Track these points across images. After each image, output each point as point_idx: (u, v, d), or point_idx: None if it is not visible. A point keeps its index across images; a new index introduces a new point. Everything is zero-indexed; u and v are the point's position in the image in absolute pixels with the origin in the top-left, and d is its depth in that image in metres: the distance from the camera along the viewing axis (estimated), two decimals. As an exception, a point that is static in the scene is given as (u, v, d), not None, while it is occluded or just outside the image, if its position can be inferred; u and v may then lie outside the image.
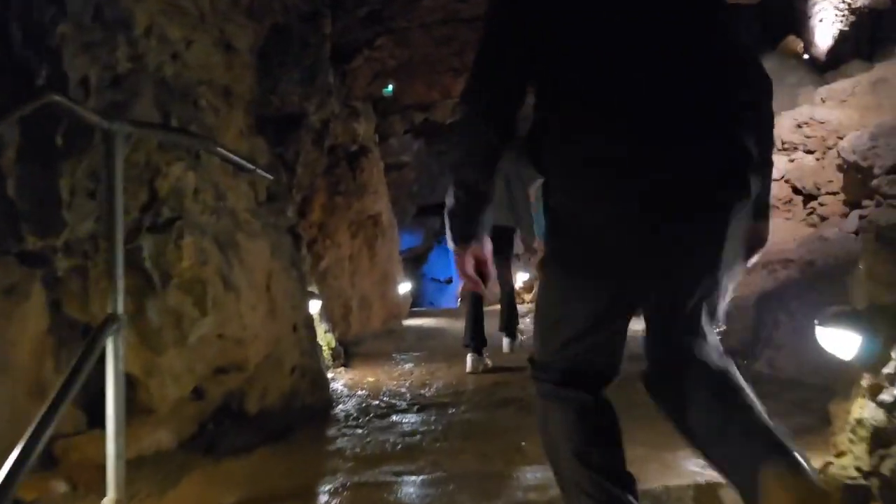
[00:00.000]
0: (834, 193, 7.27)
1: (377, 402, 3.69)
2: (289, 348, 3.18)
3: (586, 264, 1.50)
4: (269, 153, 3.75)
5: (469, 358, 4.79)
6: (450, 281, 19.45)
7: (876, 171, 6.17)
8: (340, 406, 3.60)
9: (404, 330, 7.66)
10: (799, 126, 8.43)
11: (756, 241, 1.67)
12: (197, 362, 2.36)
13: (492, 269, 1.62)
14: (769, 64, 9.64)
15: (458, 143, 1.62)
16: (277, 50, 3.48)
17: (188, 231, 2.18)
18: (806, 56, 11.76)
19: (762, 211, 1.67)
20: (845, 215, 6.94)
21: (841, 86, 8.44)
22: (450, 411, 3.38)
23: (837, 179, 7.15)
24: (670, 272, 1.47)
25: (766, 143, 1.59)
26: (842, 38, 11.38)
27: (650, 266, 1.46)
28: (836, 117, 8.10)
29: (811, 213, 7.55)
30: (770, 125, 1.70)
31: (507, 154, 1.64)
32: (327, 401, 3.63)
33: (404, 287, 8.57)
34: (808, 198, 7.71)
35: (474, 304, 5.11)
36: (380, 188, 7.05)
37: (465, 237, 1.58)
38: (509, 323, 5.62)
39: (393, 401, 3.74)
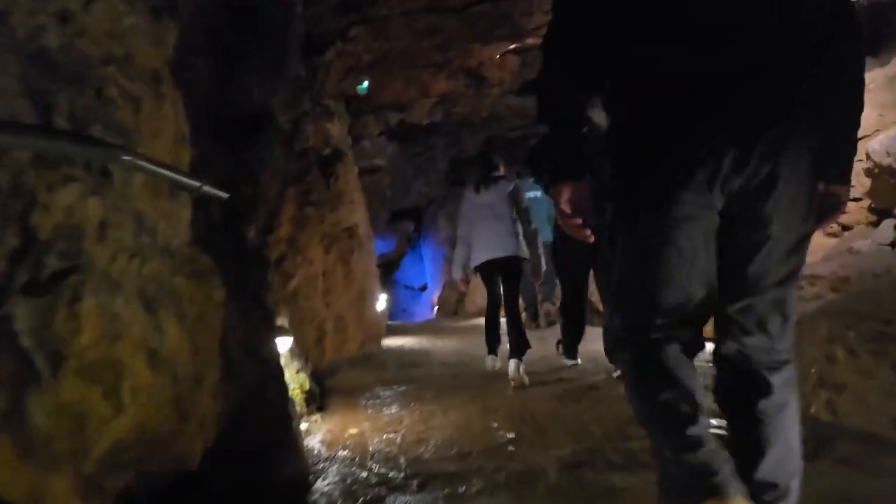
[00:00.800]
0: (856, 200, 6.70)
1: (365, 474, 2.94)
2: (251, 419, 2.42)
3: (670, 204, 1.48)
4: (225, 161, 2.98)
5: (511, 365, 4.92)
6: (424, 288, 18.73)
7: (918, 176, 5.59)
8: (319, 482, 2.84)
9: (384, 354, 6.90)
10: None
11: (832, 205, 1.67)
12: (109, 478, 1.59)
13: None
14: None
15: (543, 78, 1.64)
16: (235, 26, 2.72)
17: (90, 289, 1.42)
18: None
19: (843, 171, 1.68)
20: (872, 224, 6.36)
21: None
22: (459, 489, 2.64)
23: (861, 184, 6.57)
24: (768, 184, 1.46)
25: (852, 87, 1.67)
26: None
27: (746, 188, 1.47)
28: (847, 117, 7.54)
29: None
30: (859, 69, 1.74)
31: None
32: (302, 473, 2.87)
33: (382, 303, 7.81)
34: (821, 205, 7.13)
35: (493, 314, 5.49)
36: (356, 196, 6.29)
37: (560, 173, 1.59)
38: (518, 346, 5.01)
39: (384, 469, 2.99)
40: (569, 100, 1.58)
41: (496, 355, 5.45)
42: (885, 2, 9.86)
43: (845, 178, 1.68)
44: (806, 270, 5.44)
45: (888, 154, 5.71)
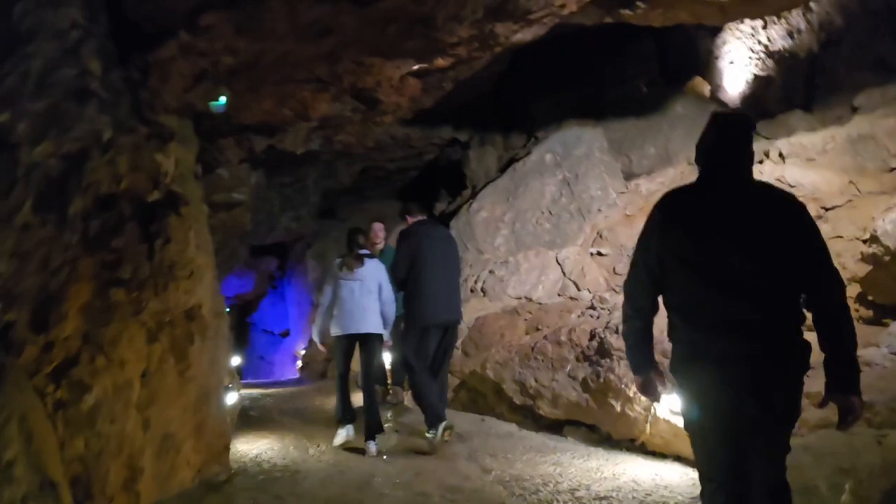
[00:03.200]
0: (839, 286, 5.50)
1: None
2: None
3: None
4: None
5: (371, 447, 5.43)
6: (286, 334, 16.50)
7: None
8: None
9: (234, 479, 4.84)
10: (759, 187, 6.67)
11: (847, 410, 2.25)
12: None
13: None
14: (686, 108, 7.70)
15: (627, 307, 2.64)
16: None
17: None
18: (711, 99, 10.37)
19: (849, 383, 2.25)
20: (865, 320, 5.17)
21: (807, 140, 6.83)
22: None
23: (850, 269, 5.37)
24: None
25: (844, 338, 2.28)
26: (762, 84, 10.16)
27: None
28: (810, 180, 6.43)
29: (802, 309, 5.73)
30: (846, 323, 2.30)
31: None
32: None
33: (233, 396, 5.74)
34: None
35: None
36: (200, 261, 4.28)
37: (638, 369, 2.65)
38: (373, 426, 5.52)
39: None
40: (642, 332, 2.58)
41: (350, 426, 5.86)
42: (815, 54, 9.14)
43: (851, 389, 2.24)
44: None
45: (905, 238, 4.47)
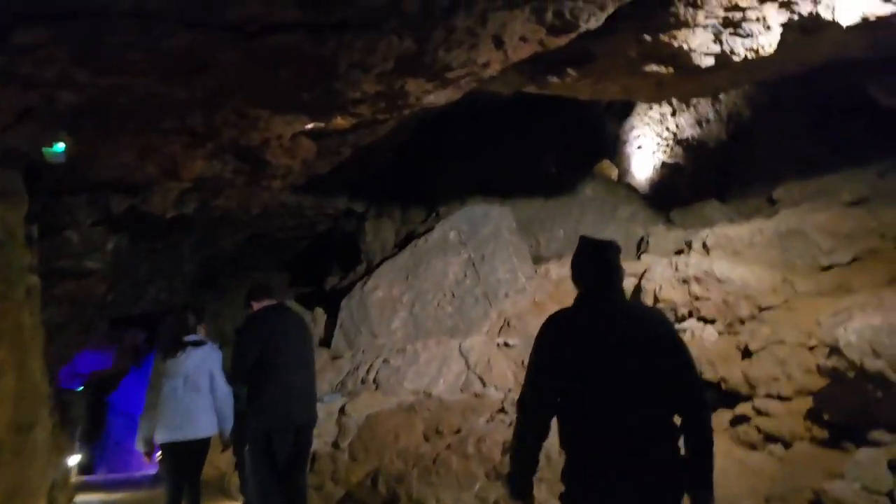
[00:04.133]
0: (784, 399, 4.89)
1: None
2: None
3: None
4: None
5: None
6: (148, 416, 14.67)
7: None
8: None
9: None
10: (684, 282, 6.13)
11: None
12: None
13: None
14: (596, 191, 7.14)
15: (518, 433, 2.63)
16: None
17: None
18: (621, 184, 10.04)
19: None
20: (819, 442, 4.51)
21: (733, 232, 6.39)
22: None
23: (797, 380, 4.78)
24: None
25: (705, 457, 2.42)
26: (671, 171, 9.94)
27: None
28: (740, 275, 5.92)
29: (741, 425, 5.07)
30: (707, 445, 2.44)
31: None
32: None
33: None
34: (728, 398, 5.25)
35: None
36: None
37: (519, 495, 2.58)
38: None
39: None
40: (533, 452, 2.55)
41: None
42: (728, 141, 8.99)
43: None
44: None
45: (875, 352, 3.89)
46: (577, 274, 2.71)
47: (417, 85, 4.59)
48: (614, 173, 9.95)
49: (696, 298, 5.88)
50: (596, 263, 2.63)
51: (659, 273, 6.23)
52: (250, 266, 13.48)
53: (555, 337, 2.58)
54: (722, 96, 8.69)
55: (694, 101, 8.97)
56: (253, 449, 4.86)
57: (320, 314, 9.61)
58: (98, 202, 6.36)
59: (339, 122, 5.68)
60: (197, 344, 5.22)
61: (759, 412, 4.82)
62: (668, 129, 9.33)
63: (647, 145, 9.60)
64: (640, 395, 2.39)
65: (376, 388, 7.57)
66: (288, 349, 4.91)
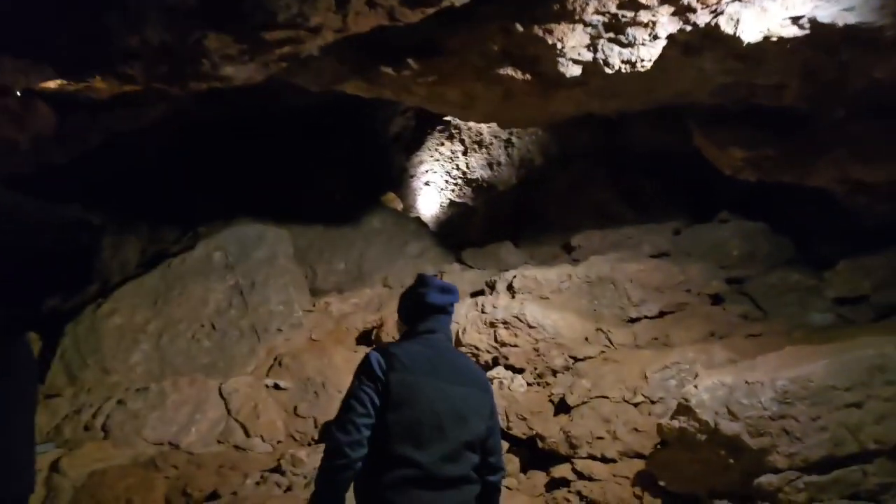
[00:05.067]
0: (608, 460, 4.39)
1: None
2: None
3: None
4: None
5: None
6: None
7: (777, 457, 3.47)
8: None
9: None
10: (491, 325, 5.57)
11: None
12: None
13: None
14: (385, 223, 6.51)
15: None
16: None
17: None
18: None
19: None
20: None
21: (540, 276, 5.99)
22: None
23: (619, 437, 4.30)
24: None
25: None
26: (460, 210, 9.53)
27: None
28: (551, 322, 5.51)
29: (559, 489, 4.48)
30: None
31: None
32: None
33: None
34: (542, 457, 4.68)
35: None
36: None
37: None
38: None
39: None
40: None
41: None
42: (518, 185, 8.84)
43: None
44: None
45: (731, 414, 3.53)
46: (404, 313, 2.68)
47: (221, 43, 3.51)
48: (399, 207, 9.37)
49: (503, 345, 5.35)
50: (427, 304, 2.57)
51: (463, 314, 5.63)
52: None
53: (386, 365, 2.42)
54: (515, 140, 8.56)
55: (487, 141, 8.75)
56: None
57: (34, 340, 7.62)
58: None
59: (98, 85, 4.34)
60: None
61: (580, 475, 4.31)
62: (458, 167, 9.00)
63: (436, 182, 9.18)
64: (451, 442, 2.38)
65: (105, 436, 5.97)
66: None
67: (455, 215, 8.91)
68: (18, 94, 4.25)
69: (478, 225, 8.52)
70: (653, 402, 4.41)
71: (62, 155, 6.19)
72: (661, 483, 3.90)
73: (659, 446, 4.12)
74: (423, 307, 2.57)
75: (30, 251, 10.39)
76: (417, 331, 2.55)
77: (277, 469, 4.84)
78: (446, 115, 7.71)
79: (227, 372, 6.64)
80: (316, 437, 5.91)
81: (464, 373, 2.52)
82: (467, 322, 5.61)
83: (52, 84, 4.26)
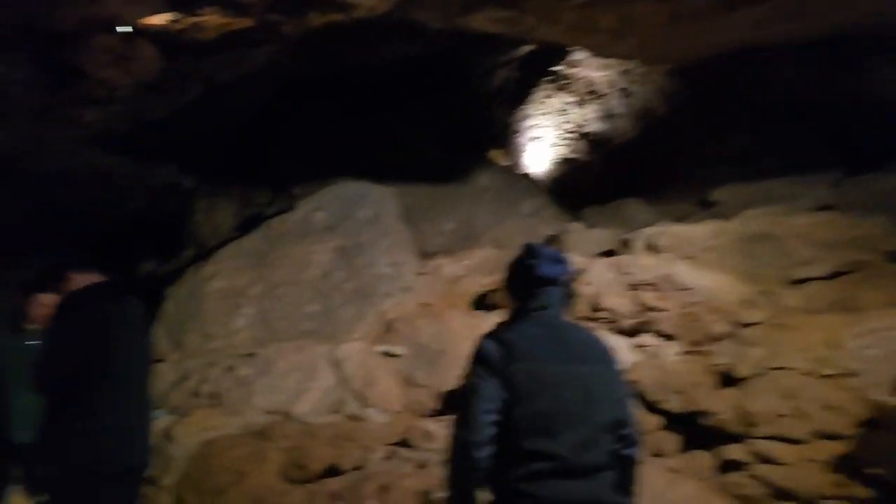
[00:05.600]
0: (795, 441, 3.73)
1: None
2: None
3: None
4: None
5: None
6: None
7: None
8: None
9: None
10: (633, 287, 4.94)
11: None
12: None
13: None
14: (494, 181, 5.88)
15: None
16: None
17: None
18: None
19: None
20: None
21: (684, 233, 5.34)
22: None
23: (808, 415, 3.62)
24: None
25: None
26: (576, 168, 8.87)
27: None
28: (705, 284, 4.85)
29: (732, 472, 3.85)
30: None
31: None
32: None
33: None
34: (707, 437, 4.06)
35: None
36: None
37: None
38: None
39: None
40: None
41: None
42: (639, 136, 8.11)
43: None
44: None
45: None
46: (513, 284, 2.49)
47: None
48: (504, 164, 8.77)
49: (649, 309, 4.72)
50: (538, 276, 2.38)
51: (597, 276, 5.01)
52: (34, 247, 10.73)
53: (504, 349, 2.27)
54: (634, 89, 7.81)
55: (602, 90, 8.02)
56: None
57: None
58: None
59: (208, 20, 3.88)
60: None
61: (759, 457, 3.67)
62: (569, 120, 8.31)
63: (545, 136, 8.52)
64: (586, 428, 2.22)
65: (213, 403, 5.68)
66: (128, 352, 3.18)
67: (568, 171, 8.25)
68: (122, 30, 3.83)
69: (594, 181, 7.84)
70: (850, 376, 3.72)
71: (162, 106, 5.86)
72: (869, 470, 3.24)
73: (864, 427, 3.44)
74: (533, 280, 2.38)
75: (124, 216, 10.32)
76: (529, 308, 2.37)
77: (404, 443, 4.39)
78: (586, 49, 6.88)
79: (333, 337, 6.25)
80: (436, 408, 5.45)
81: (587, 350, 2.36)
82: (604, 284, 5.00)
83: (159, 20, 3.84)
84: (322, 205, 7.15)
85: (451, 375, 5.33)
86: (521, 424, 2.18)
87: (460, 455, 2.22)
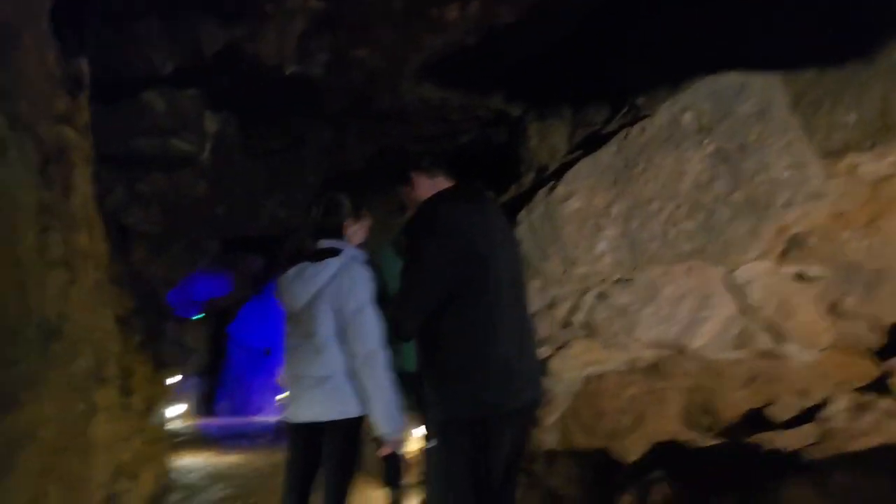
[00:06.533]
0: None
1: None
2: None
3: None
4: None
5: None
6: (269, 352, 12.94)
7: None
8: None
9: None
10: None
11: None
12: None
13: None
14: None
15: None
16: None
17: None
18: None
19: None
20: None
21: None
22: None
23: None
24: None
25: None
26: None
27: None
28: None
29: None
30: None
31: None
32: None
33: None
34: None
35: None
36: None
37: None
38: None
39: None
40: None
41: None
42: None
43: None
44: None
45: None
46: None
47: None
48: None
49: None
50: None
51: None
52: (377, 187, 11.20)
53: None
54: None
55: None
56: (447, 451, 2.55)
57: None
58: (180, 33, 4.05)
59: None
60: (331, 253, 3.04)
61: None
62: None
63: None
64: None
65: (588, 335, 5.05)
66: (503, 267, 2.60)
67: None
68: None
69: None
70: None
71: (509, 12, 5.23)
72: None
73: None
74: None
75: (452, 153, 10.21)
76: None
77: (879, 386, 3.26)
78: None
79: (721, 258, 5.20)
80: (880, 344, 4.19)
81: None
82: None
83: None
84: (690, 103, 6.03)
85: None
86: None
87: None
